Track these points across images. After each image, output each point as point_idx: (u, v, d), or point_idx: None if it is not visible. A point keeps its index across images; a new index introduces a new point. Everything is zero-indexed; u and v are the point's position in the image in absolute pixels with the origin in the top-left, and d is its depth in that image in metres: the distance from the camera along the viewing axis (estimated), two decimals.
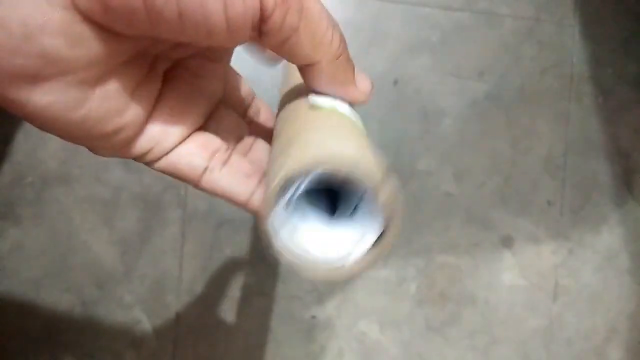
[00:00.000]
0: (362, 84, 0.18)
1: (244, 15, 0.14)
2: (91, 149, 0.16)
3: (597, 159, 0.56)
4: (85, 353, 0.50)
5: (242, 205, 0.18)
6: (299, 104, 0.18)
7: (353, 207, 0.16)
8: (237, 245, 0.51)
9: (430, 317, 0.54)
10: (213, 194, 0.18)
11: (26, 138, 0.50)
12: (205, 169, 0.18)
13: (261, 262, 0.52)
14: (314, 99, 0.17)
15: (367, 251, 0.15)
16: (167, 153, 0.18)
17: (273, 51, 0.16)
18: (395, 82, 0.53)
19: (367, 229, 0.15)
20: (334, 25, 0.16)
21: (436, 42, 0.54)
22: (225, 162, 0.18)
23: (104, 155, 0.17)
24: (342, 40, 0.16)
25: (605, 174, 0.56)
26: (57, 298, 0.50)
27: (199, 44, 0.16)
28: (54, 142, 0.50)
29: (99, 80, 0.14)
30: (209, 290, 0.51)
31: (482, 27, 0.54)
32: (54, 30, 0.12)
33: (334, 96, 0.18)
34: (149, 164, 0.18)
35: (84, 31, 0.13)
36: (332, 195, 0.17)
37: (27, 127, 0.50)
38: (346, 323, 0.53)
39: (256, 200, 0.18)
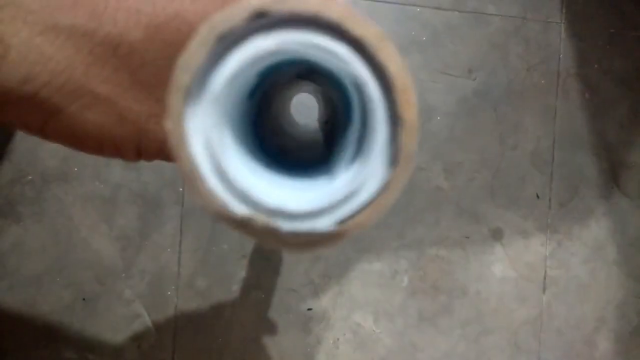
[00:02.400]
0: None
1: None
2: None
3: (584, 153, 0.57)
4: (86, 348, 0.51)
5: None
6: None
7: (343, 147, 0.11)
8: (234, 240, 0.52)
9: (423, 308, 0.55)
10: None
11: (26, 136, 0.50)
12: None
13: (258, 257, 0.53)
14: None
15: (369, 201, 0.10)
16: None
17: None
18: None
19: (371, 165, 0.10)
20: None
21: (426, 41, 0.55)
22: None
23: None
24: None
25: (592, 167, 0.57)
26: (58, 294, 0.51)
27: None
28: None
29: None
30: (207, 284, 0.52)
31: (471, 26, 0.55)
32: None
33: None
34: None
35: None
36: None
37: None
38: (341, 315, 0.54)
39: None
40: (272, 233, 0.09)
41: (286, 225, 0.09)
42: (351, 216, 0.10)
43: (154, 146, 0.14)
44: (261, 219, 0.09)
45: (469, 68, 0.55)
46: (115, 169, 0.51)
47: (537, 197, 0.56)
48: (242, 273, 0.53)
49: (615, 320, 0.58)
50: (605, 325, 0.57)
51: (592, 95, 0.57)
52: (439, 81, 0.55)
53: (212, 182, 0.09)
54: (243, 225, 0.09)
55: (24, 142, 0.50)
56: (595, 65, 0.57)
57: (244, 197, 0.09)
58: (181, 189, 0.52)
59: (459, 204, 0.55)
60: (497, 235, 0.56)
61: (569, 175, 0.57)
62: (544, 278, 0.56)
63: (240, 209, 0.09)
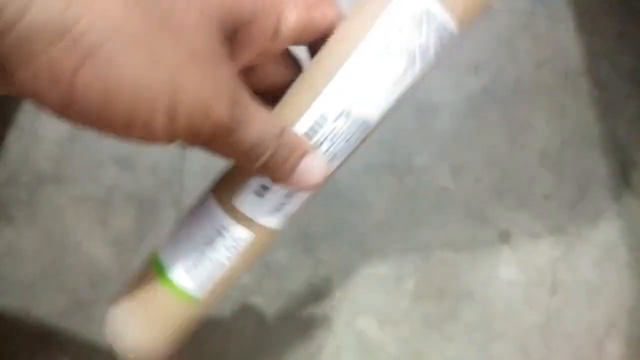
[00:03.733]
0: (305, 177, 0.17)
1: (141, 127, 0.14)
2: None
3: (593, 152, 0.56)
4: (80, 353, 0.50)
5: None
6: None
7: None
8: None
9: (429, 313, 0.54)
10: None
11: (19, 138, 0.50)
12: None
13: (257, 261, 0.52)
14: (161, 254, 0.21)
15: None
16: None
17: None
18: None
19: None
20: (270, 138, 0.16)
21: None
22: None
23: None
24: (279, 150, 0.16)
25: (601, 167, 0.56)
26: (52, 299, 0.50)
27: None
28: (47, 142, 0.50)
29: None
30: None
31: (477, 21, 0.54)
32: None
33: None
34: None
35: None
36: None
37: (20, 126, 0.50)
38: (344, 320, 0.53)
39: None
40: None
41: None
42: None
43: (185, 107, 0.14)
44: None
45: (475, 65, 0.54)
46: (110, 170, 0.50)
47: (546, 197, 0.55)
48: (241, 277, 0.51)
49: (626, 324, 0.57)
50: (616, 330, 0.56)
51: (602, 93, 0.56)
52: (445, 78, 0.54)
53: None
54: None
55: (16, 144, 0.50)
56: (605, 62, 0.56)
57: None
58: (178, 191, 0.51)
59: (465, 205, 0.54)
60: (504, 237, 0.55)
61: (578, 175, 0.56)
62: (553, 281, 0.55)
63: None
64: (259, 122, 0.16)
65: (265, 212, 0.19)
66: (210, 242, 0.19)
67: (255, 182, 0.18)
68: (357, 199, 0.52)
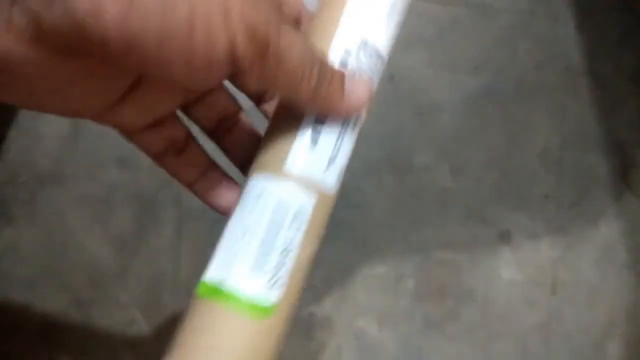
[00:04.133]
0: (355, 92, 0.17)
1: (207, 68, 0.14)
2: (62, 116, 0.18)
3: (594, 152, 0.56)
4: (80, 353, 0.50)
5: (186, 187, 0.20)
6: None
7: None
8: None
9: (429, 314, 0.54)
10: (163, 169, 0.20)
11: (19, 137, 0.50)
12: (160, 153, 0.20)
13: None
14: (209, 272, 0.17)
15: None
16: (130, 134, 0.19)
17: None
18: (392, 78, 0.53)
19: None
20: (312, 60, 0.16)
21: (432, 37, 0.54)
22: (180, 151, 0.20)
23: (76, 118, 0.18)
24: (322, 71, 0.16)
25: (602, 167, 0.56)
26: (52, 298, 0.50)
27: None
28: (48, 141, 0.50)
29: (65, 86, 0.15)
30: None
31: (478, 21, 0.54)
32: (14, 58, 0.13)
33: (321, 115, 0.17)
34: (116, 131, 0.20)
35: (42, 56, 0.13)
36: None
37: (20, 125, 0.50)
38: (345, 320, 0.53)
39: (196, 188, 0.20)
40: None
41: None
42: None
43: (237, 6, 0.13)
44: None
45: (475, 65, 0.54)
46: (110, 170, 0.50)
47: (546, 198, 0.55)
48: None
49: (626, 324, 0.56)
50: (616, 330, 0.56)
51: (603, 93, 0.56)
52: (445, 78, 0.54)
53: None
54: None
55: (17, 143, 0.50)
56: (606, 62, 0.56)
57: None
58: (178, 190, 0.51)
59: (465, 205, 0.54)
60: (505, 237, 0.55)
61: (579, 175, 0.56)
62: (553, 281, 0.55)
63: None
64: (301, 43, 0.15)
65: (319, 167, 0.17)
66: (269, 225, 0.17)
67: (304, 131, 0.17)
68: (357, 198, 0.52)
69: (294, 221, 0.17)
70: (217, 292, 0.16)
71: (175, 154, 0.20)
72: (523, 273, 0.55)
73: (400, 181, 0.53)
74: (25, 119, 0.50)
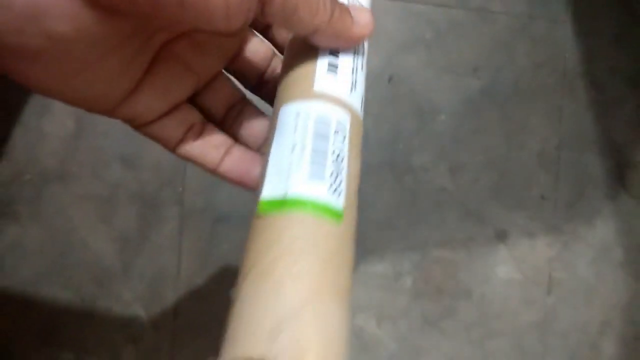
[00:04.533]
0: (362, 19, 0.18)
1: (243, 3, 0.14)
2: (77, 107, 0.17)
3: (590, 153, 0.56)
4: (84, 349, 0.50)
5: (211, 172, 0.20)
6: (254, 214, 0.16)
7: None
8: (235, 241, 0.51)
9: (427, 311, 0.54)
10: (185, 160, 0.20)
11: (24, 135, 0.50)
12: (181, 140, 0.20)
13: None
14: (263, 193, 0.16)
15: None
16: (147, 124, 0.19)
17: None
18: (390, 79, 0.54)
19: None
20: None
21: (430, 39, 0.54)
22: (199, 134, 0.20)
23: (89, 111, 0.18)
24: (333, 1, 0.17)
25: (598, 168, 0.56)
26: (56, 295, 0.50)
27: (200, 29, 0.16)
28: (52, 140, 0.50)
29: (97, 59, 0.15)
30: (207, 286, 0.51)
31: (476, 23, 0.55)
32: (59, 14, 0.13)
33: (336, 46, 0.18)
34: (130, 126, 0.19)
35: (88, 15, 0.13)
36: None
37: (25, 124, 0.50)
38: None
39: (222, 169, 0.20)
40: None
41: None
42: None
43: None
44: None
45: (474, 67, 0.55)
46: (114, 168, 0.50)
47: (543, 197, 0.55)
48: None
49: (621, 323, 0.57)
50: (612, 329, 0.57)
51: (600, 95, 0.56)
52: (444, 80, 0.54)
53: None
54: None
55: (21, 141, 0.50)
56: (603, 64, 0.56)
57: None
58: (181, 189, 0.51)
59: (463, 204, 0.54)
60: (502, 236, 0.55)
61: (576, 175, 0.56)
62: (549, 280, 0.56)
63: None
64: None
65: (345, 91, 0.18)
66: (315, 136, 0.16)
67: (323, 60, 0.18)
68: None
69: (337, 133, 0.16)
70: (282, 203, 0.15)
71: (195, 138, 0.20)
72: (520, 272, 0.55)
73: (399, 181, 0.54)
74: (30, 117, 0.50)
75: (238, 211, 0.51)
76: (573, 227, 0.56)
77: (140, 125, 0.19)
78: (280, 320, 0.13)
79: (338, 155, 0.16)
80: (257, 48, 0.22)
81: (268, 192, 0.16)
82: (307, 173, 0.15)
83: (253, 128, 0.21)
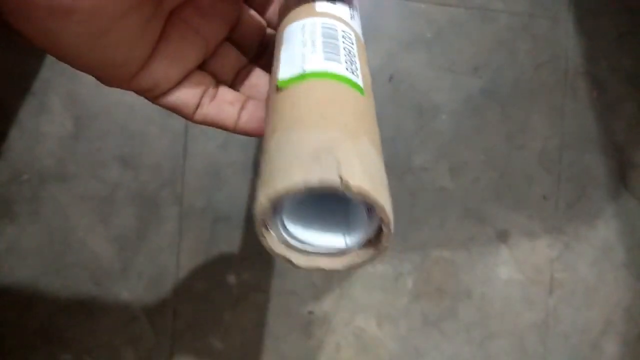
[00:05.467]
0: None
1: None
2: (99, 79, 0.18)
3: (592, 153, 0.56)
4: (82, 350, 0.50)
5: (232, 130, 0.21)
6: (272, 85, 0.17)
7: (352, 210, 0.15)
8: (234, 242, 0.51)
9: (427, 312, 0.54)
10: (204, 124, 0.21)
11: (22, 135, 0.50)
12: (198, 105, 0.20)
13: (258, 258, 0.52)
14: (281, 71, 0.16)
15: (362, 249, 0.15)
16: (165, 93, 0.19)
17: None
18: (391, 78, 0.53)
19: (363, 230, 0.14)
20: None
21: (431, 37, 0.54)
22: (214, 96, 0.21)
23: (109, 86, 0.18)
24: None
25: (600, 168, 0.56)
26: (54, 295, 0.50)
27: None
28: (50, 140, 0.50)
29: (121, 15, 0.16)
30: (206, 286, 0.51)
31: (477, 22, 0.54)
32: None
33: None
34: (148, 99, 0.20)
35: None
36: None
37: (22, 124, 0.50)
38: (343, 318, 0.53)
39: (241, 123, 0.21)
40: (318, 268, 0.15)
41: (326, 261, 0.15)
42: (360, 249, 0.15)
43: None
44: (326, 265, 0.15)
45: (475, 66, 0.54)
46: (113, 169, 0.50)
47: (544, 197, 0.55)
48: (241, 275, 0.52)
49: (623, 324, 0.57)
50: (613, 329, 0.57)
51: (601, 94, 0.56)
52: (444, 79, 0.54)
53: (289, 256, 0.15)
54: (315, 270, 0.15)
55: (19, 141, 0.50)
56: (604, 63, 0.56)
57: (304, 243, 0.15)
58: (180, 189, 0.51)
59: (464, 204, 0.54)
60: (502, 236, 0.55)
61: (577, 175, 0.56)
62: (551, 280, 0.56)
63: (300, 259, 0.15)
64: None
65: (346, 15, 0.18)
66: (324, 35, 0.17)
67: None
68: None
69: (345, 38, 0.17)
70: (302, 77, 0.15)
71: (210, 101, 0.21)
72: (521, 272, 0.55)
73: (400, 181, 0.53)
74: (28, 117, 0.50)
75: (237, 211, 0.51)
76: (574, 228, 0.56)
77: (158, 96, 0.19)
78: (319, 148, 0.13)
79: (349, 52, 0.16)
80: (253, 19, 0.23)
81: (285, 74, 0.16)
82: (322, 56, 0.16)
83: (262, 86, 0.22)
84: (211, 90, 0.21)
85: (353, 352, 0.53)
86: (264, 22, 0.23)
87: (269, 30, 0.23)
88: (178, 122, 0.50)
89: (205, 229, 0.51)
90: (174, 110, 0.20)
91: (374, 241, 0.15)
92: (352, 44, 0.17)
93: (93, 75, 0.18)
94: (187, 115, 0.20)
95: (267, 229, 0.14)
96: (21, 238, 0.50)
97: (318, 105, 0.14)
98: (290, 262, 0.14)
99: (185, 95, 0.20)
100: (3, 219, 0.50)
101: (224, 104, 0.21)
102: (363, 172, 0.13)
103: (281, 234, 0.14)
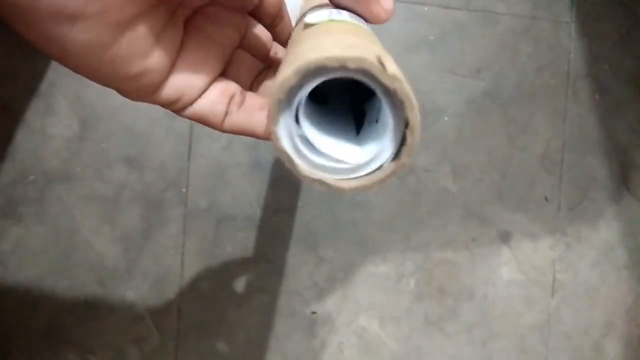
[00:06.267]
0: (385, 1, 0.18)
1: None
2: (120, 92, 0.18)
3: (593, 155, 0.56)
4: (87, 349, 0.50)
5: (263, 137, 0.20)
6: (300, 25, 0.18)
7: (375, 120, 0.15)
8: (238, 242, 0.51)
9: (429, 312, 0.54)
10: (235, 133, 0.20)
11: (28, 137, 0.50)
12: (226, 113, 0.20)
13: (262, 259, 0.52)
14: (308, 17, 0.17)
15: (383, 166, 0.14)
16: (192, 103, 0.19)
17: None
18: None
19: (386, 143, 0.14)
20: None
21: (434, 40, 0.54)
22: (241, 103, 0.20)
23: (132, 99, 0.18)
24: None
25: (602, 169, 0.56)
26: (60, 295, 0.50)
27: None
28: (57, 141, 0.50)
29: (129, 22, 0.15)
30: (210, 287, 0.51)
31: (480, 25, 0.55)
32: None
33: (353, 11, 0.18)
34: (176, 112, 0.19)
35: None
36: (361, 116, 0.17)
37: (29, 125, 0.50)
38: (346, 318, 0.53)
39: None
40: (329, 185, 0.15)
41: (340, 175, 0.15)
42: (372, 172, 0.15)
43: None
44: (329, 180, 0.15)
45: (477, 68, 0.54)
46: (118, 170, 0.51)
47: (546, 199, 0.55)
48: (245, 275, 0.52)
49: (624, 325, 0.57)
50: (614, 330, 0.57)
51: (603, 97, 0.56)
52: (447, 81, 0.54)
53: (294, 157, 0.14)
54: (317, 183, 0.14)
55: (25, 143, 0.50)
56: (606, 66, 0.56)
57: (318, 153, 0.15)
58: (184, 190, 0.51)
59: (466, 206, 0.54)
60: (505, 238, 0.55)
61: (579, 177, 0.56)
62: (553, 282, 0.56)
63: (314, 173, 0.15)
64: None
65: (361, 21, 0.19)
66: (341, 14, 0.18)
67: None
68: (359, 199, 0.53)
69: (362, 26, 0.18)
70: (331, 20, 0.17)
71: (238, 108, 0.20)
72: (522, 273, 0.55)
73: (402, 182, 0.53)
74: (34, 119, 0.50)
75: (242, 212, 0.51)
76: (576, 229, 0.56)
77: (185, 106, 0.19)
78: (356, 43, 0.14)
79: (366, 29, 0.18)
80: (261, 30, 0.22)
81: (312, 19, 0.17)
82: (347, 15, 0.18)
83: None
84: (238, 97, 0.20)
85: (356, 352, 0.53)
86: (269, 35, 0.23)
87: (276, 46, 0.23)
88: (183, 123, 0.51)
89: (209, 230, 0.51)
90: (203, 121, 0.20)
91: (392, 160, 0.14)
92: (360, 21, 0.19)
93: (113, 89, 0.17)
94: (216, 125, 0.20)
95: (279, 116, 0.14)
96: (27, 238, 0.50)
97: (348, 31, 0.16)
98: (293, 164, 0.14)
99: (212, 104, 0.19)
100: (9, 220, 0.50)
101: (253, 110, 0.20)
102: (397, 68, 0.13)
103: (292, 131, 0.14)
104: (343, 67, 0.13)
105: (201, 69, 0.19)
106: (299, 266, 0.52)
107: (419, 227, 0.54)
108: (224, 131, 0.20)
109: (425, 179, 0.54)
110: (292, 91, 0.13)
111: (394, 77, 0.13)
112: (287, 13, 0.23)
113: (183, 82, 0.18)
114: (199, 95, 0.19)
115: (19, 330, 0.50)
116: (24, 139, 0.50)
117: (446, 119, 0.54)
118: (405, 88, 0.13)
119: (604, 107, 0.56)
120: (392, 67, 0.13)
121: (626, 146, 0.57)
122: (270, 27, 0.23)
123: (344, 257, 0.53)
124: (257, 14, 0.22)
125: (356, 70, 0.13)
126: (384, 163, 0.14)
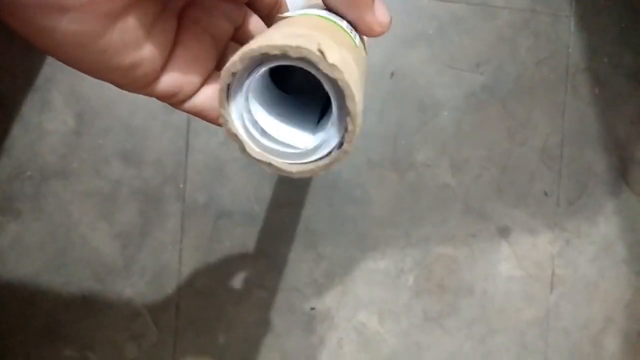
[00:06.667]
0: (380, 13, 0.18)
1: None
2: (115, 84, 0.17)
3: (593, 149, 0.56)
4: (85, 346, 0.50)
5: None
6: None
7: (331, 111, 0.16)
8: (236, 238, 0.51)
9: (428, 308, 0.54)
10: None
11: (24, 132, 0.50)
12: None
13: (261, 255, 0.52)
14: (285, 15, 0.18)
15: (331, 153, 0.15)
16: (190, 97, 0.19)
17: None
18: (392, 75, 0.53)
19: (332, 132, 0.15)
20: None
21: (433, 34, 0.54)
22: None
23: (128, 91, 0.18)
24: None
25: (601, 164, 0.56)
26: (57, 292, 0.50)
27: None
28: (53, 137, 0.50)
29: (120, 12, 0.15)
30: (208, 283, 0.51)
31: (479, 19, 0.54)
32: None
33: (346, 18, 0.18)
34: (174, 105, 0.20)
35: None
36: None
37: (25, 121, 0.50)
38: (345, 314, 0.53)
39: None
40: (280, 168, 0.15)
41: (290, 160, 0.15)
42: (320, 158, 0.15)
43: None
44: (277, 162, 0.15)
45: (476, 62, 0.54)
46: (115, 165, 0.50)
47: (545, 194, 0.55)
48: (244, 271, 0.52)
49: (623, 320, 0.57)
50: (614, 325, 0.57)
51: (602, 91, 0.56)
52: (446, 75, 0.54)
53: (243, 138, 0.15)
54: (265, 164, 0.15)
55: (22, 138, 0.50)
56: (605, 60, 0.56)
57: (269, 137, 0.15)
58: (182, 185, 0.51)
59: (465, 201, 0.54)
60: (504, 233, 0.55)
61: (578, 172, 0.56)
62: (552, 277, 0.56)
63: (262, 155, 0.15)
64: None
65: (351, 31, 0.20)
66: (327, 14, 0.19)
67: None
68: (358, 194, 0.53)
69: (350, 28, 0.19)
70: (306, 14, 0.18)
71: None
72: (522, 268, 0.55)
73: (401, 177, 0.53)
74: (30, 114, 0.50)
75: (240, 207, 0.51)
76: (575, 224, 0.56)
77: (183, 100, 0.19)
78: (305, 34, 0.14)
79: (352, 30, 0.18)
80: (258, 22, 0.22)
81: (289, 14, 0.18)
82: (325, 12, 0.18)
83: None
84: None
85: (355, 348, 0.53)
86: (265, 27, 0.23)
87: None
88: (180, 118, 0.50)
89: (207, 225, 0.51)
90: (201, 115, 0.20)
91: (338, 147, 0.15)
92: (355, 36, 0.18)
93: (108, 81, 0.17)
94: (214, 120, 0.20)
95: (228, 100, 0.14)
96: (24, 234, 0.50)
97: (314, 25, 0.16)
98: (242, 144, 0.15)
99: (210, 98, 0.19)
100: (6, 216, 0.50)
101: None
102: (341, 59, 0.14)
103: (243, 114, 0.15)
104: (285, 55, 0.13)
105: (197, 62, 0.19)
106: (298, 262, 0.52)
107: (418, 222, 0.54)
108: (219, 125, 0.20)
109: (424, 174, 0.54)
110: (240, 76, 0.14)
111: (333, 67, 0.13)
112: (285, 3, 0.23)
113: (180, 75, 0.18)
114: (197, 89, 0.19)
115: (16, 326, 0.50)
116: (20, 135, 0.50)
117: (445, 113, 0.54)
118: (345, 77, 0.13)
119: (604, 101, 0.56)
120: (333, 57, 0.13)
121: (625, 140, 0.56)
122: (267, 18, 0.23)
123: (343, 253, 0.53)
124: (253, 4, 0.21)
125: (298, 59, 0.13)
126: (332, 150, 0.15)
